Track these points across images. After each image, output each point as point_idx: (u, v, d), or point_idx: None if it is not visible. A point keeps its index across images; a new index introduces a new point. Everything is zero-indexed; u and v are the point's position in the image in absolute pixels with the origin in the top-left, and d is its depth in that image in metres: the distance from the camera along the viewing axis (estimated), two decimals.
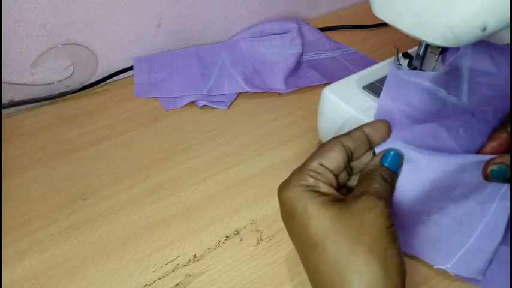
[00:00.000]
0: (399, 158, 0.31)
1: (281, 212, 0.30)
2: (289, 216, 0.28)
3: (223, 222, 0.40)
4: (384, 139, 0.32)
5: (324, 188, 0.28)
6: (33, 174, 0.45)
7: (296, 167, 0.30)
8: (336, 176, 0.30)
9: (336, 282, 0.25)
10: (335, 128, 0.41)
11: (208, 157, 0.46)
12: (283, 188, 0.29)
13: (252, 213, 0.40)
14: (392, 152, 0.31)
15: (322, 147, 0.30)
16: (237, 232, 0.39)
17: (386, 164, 0.30)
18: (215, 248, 0.37)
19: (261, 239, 0.38)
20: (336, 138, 0.31)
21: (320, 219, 0.26)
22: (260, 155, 0.46)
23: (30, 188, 0.43)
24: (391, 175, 0.30)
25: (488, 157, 0.31)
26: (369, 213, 0.26)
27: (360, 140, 0.31)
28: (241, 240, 0.38)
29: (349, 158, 0.30)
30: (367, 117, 0.38)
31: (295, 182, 0.28)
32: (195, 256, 0.37)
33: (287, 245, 0.37)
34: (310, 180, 0.28)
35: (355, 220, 0.26)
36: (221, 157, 0.46)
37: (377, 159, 0.31)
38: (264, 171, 0.44)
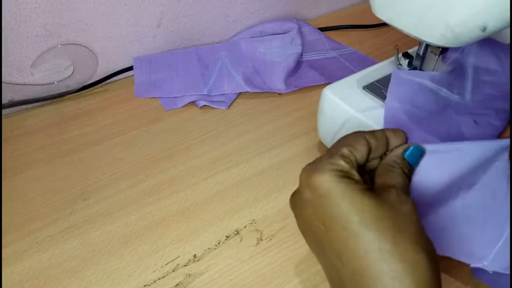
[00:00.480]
0: (420, 153, 0.30)
1: (304, 195, 0.28)
2: (322, 201, 0.26)
3: (223, 222, 0.40)
4: None
5: (357, 176, 0.27)
6: (33, 174, 0.45)
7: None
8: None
9: (382, 271, 0.24)
10: (335, 128, 0.41)
11: (208, 157, 0.46)
12: (313, 171, 0.27)
13: (252, 213, 0.40)
14: (413, 146, 0.30)
15: (347, 137, 0.30)
16: (237, 232, 0.39)
17: (407, 158, 0.30)
18: (215, 248, 0.37)
19: (261, 239, 0.38)
20: (360, 132, 0.30)
21: (364, 205, 0.25)
22: (260, 155, 0.46)
23: (30, 188, 0.43)
24: (410, 169, 0.30)
25: (508, 140, 0.30)
26: (405, 207, 0.26)
27: (381, 140, 0.30)
28: (241, 240, 0.38)
29: (368, 155, 0.30)
30: (367, 117, 0.38)
31: (329, 166, 0.27)
32: (195, 256, 0.37)
33: (287, 245, 0.37)
34: (344, 166, 0.27)
35: (395, 210, 0.25)
36: (221, 157, 0.46)
37: (399, 152, 0.30)
38: (264, 171, 0.44)
